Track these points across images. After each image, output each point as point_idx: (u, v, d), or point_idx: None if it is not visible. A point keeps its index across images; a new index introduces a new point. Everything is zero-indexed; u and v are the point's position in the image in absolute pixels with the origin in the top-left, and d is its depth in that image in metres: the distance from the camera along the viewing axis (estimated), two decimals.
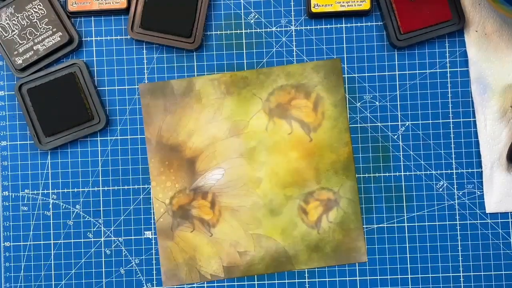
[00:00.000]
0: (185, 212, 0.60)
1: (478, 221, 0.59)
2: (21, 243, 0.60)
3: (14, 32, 0.59)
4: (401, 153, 0.59)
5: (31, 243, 0.60)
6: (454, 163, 0.59)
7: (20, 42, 0.59)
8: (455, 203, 0.59)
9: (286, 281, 0.59)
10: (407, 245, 0.59)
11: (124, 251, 0.60)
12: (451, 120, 0.59)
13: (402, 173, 0.59)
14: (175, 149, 0.60)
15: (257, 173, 0.59)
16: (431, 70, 0.60)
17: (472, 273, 0.59)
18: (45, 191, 0.60)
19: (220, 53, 0.60)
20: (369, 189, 0.59)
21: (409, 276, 0.59)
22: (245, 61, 0.60)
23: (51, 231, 0.60)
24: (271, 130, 0.60)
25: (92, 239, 0.60)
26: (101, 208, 0.60)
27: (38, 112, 0.59)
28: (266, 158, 0.59)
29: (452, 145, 0.59)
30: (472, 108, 0.59)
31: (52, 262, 0.60)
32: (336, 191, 0.59)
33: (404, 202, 0.59)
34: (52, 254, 0.60)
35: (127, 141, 0.60)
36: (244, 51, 0.60)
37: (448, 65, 0.60)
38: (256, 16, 0.60)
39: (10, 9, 0.59)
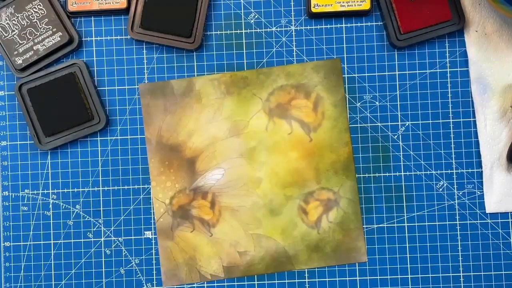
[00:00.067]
0: (185, 212, 0.60)
1: (478, 221, 0.59)
2: (21, 243, 0.60)
3: (14, 32, 0.59)
4: (401, 153, 0.59)
5: (31, 243, 0.60)
6: (454, 163, 0.59)
7: (20, 42, 0.59)
8: (455, 203, 0.59)
9: (286, 281, 0.59)
10: (407, 245, 0.59)
11: (124, 251, 0.60)
12: (451, 120, 0.59)
13: (402, 173, 0.59)
14: (175, 149, 0.60)
15: (257, 173, 0.59)
16: (431, 70, 0.60)
17: (472, 273, 0.59)
18: (45, 191, 0.60)
19: (220, 53, 0.60)
20: (369, 189, 0.59)
21: (409, 276, 0.59)
22: (245, 61, 0.60)
23: (51, 231, 0.60)
24: (271, 130, 0.60)
25: (92, 239, 0.60)
26: (101, 208, 0.60)
27: (38, 112, 0.59)
28: (266, 158, 0.59)
29: (452, 145, 0.59)
30: (472, 108, 0.59)
31: (52, 262, 0.60)
32: (336, 191, 0.59)
33: (404, 202, 0.59)
34: (52, 254, 0.60)
35: (127, 141, 0.60)
36: (244, 51, 0.60)
37: (448, 65, 0.60)
38: (256, 16, 0.60)
39: (10, 9, 0.59)
